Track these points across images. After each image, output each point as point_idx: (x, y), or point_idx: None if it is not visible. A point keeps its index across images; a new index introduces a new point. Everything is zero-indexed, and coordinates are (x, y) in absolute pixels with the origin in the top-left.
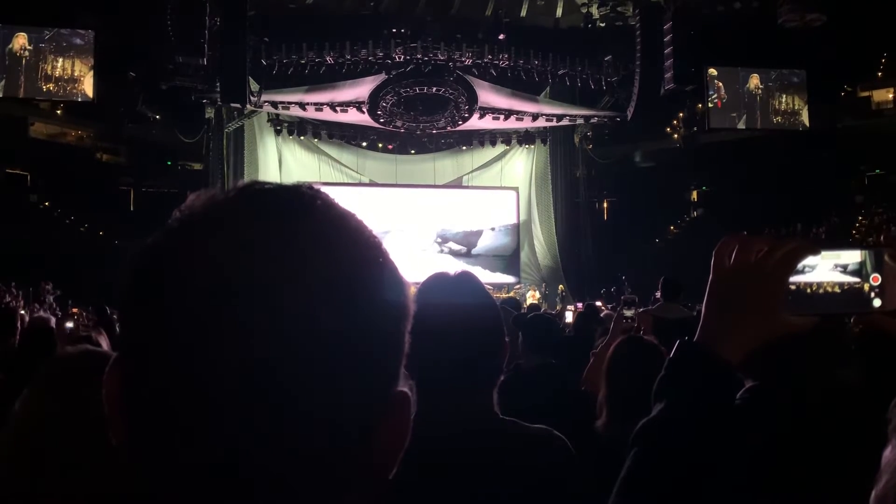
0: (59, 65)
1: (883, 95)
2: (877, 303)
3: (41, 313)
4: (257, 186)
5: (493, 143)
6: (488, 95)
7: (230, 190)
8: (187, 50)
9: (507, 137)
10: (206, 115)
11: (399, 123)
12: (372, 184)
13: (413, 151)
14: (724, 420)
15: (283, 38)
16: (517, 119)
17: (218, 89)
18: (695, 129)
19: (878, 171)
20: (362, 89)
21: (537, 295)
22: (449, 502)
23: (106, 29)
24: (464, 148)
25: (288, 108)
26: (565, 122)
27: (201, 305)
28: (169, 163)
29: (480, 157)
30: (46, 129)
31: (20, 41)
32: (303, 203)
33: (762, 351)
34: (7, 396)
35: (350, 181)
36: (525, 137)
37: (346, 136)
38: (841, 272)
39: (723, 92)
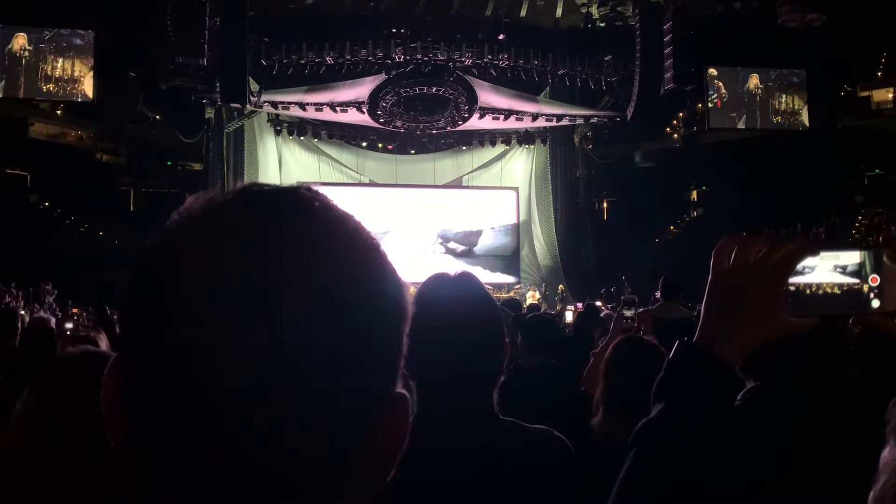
0: (59, 65)
1: (883, 95)
2: (876, 303)
3: (41, 314)
4: (256, 188)
5: (493, 143)
6: (488, 95)
7: (229, 192)
8: (187, 50)
9: (506, 137)
10: (206, 116)
11: (399, 123)
12: (372, 184)
13: (413, 151)
14: (724, 421)
15: (282, 38)
16: (517, 119)
17: (218, 89)
18: (695, 129)
19: (877, 171)
20: (362, 89)
21: (537, 295)
22: (449, 502)
23: (106, 29)
24: (464, 148)
25: (288, 109)
26: (565, 122)
27: (201, 306)
28: (169, 163)
29: (480, 157)
30: (46, 129)
31: (20, 41)
32: (301, 205)
33: (762, 351)
34: (7, 397)
35: (350, 181)
36: (525, 137)
37: (345, 136)
38: (840, 273)
39: (723, 92)
